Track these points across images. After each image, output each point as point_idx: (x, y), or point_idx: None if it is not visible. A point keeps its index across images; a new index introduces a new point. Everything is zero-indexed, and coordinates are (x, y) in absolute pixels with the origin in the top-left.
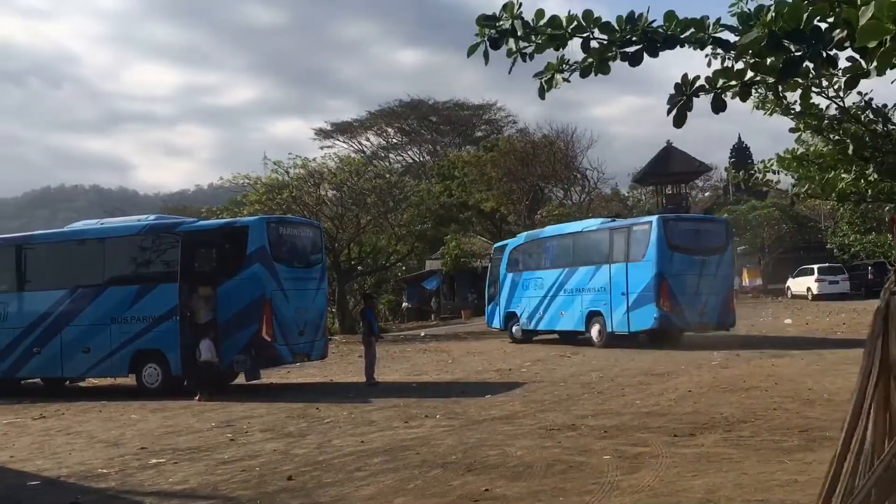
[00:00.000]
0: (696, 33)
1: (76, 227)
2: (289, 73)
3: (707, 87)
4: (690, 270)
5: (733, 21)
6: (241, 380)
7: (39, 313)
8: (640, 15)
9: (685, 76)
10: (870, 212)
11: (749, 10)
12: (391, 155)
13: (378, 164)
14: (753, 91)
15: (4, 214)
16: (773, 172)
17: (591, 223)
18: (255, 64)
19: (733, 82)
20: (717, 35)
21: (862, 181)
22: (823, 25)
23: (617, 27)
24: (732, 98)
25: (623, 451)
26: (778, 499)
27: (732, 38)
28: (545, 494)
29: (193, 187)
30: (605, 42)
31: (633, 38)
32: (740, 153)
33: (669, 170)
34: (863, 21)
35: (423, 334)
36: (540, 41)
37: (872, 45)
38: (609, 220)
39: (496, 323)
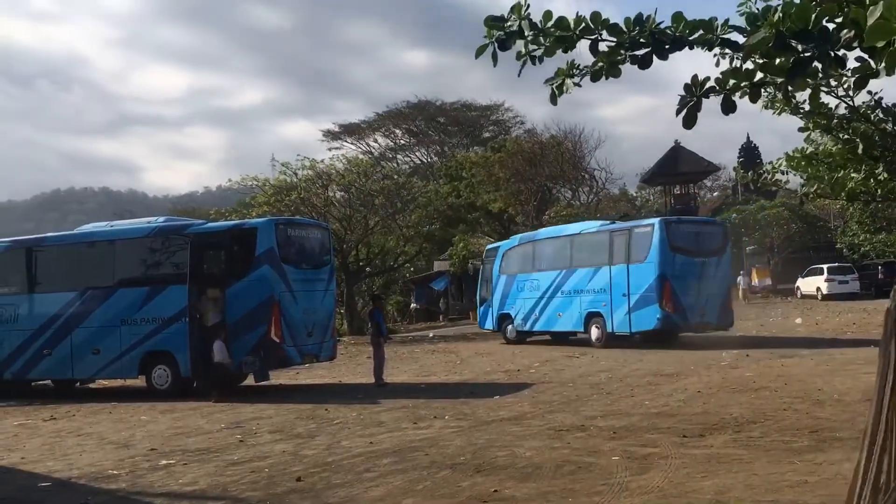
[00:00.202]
0: (705, 35)
1: (86, 230)
2: (297, 75)
3: (717, 88)
4: (691, 272)
5: (741, 21)
6: (249, 381)
7: (50, 315)
8: (648, 17)
9: (695, 77)
10: (879, 211)
11: (757, 10)
12: (399, 156)
13: (386, 165)
14: (763, 91)
15: (15, 217)
16: (783, 172)
17: (590, 225)
18: (263, 66)
19: (743, 83)
20: (726, 36)
21: (871, 180)
22: (831, 26)
23: (625, 29)
24: (741, 97)
25: (632, 451)
26: (788, 500)
27: (741, 39)
28: (554, 495)
29: (202, 189)
30: (613, 44)
31: (641, 40)
32: (749, 153)
33: (678, 170)
34: (871, 21)
35: (431, 335)
36: (548, 43)
37: (881, 45)
38: (608, 222)
39: (489, 324)
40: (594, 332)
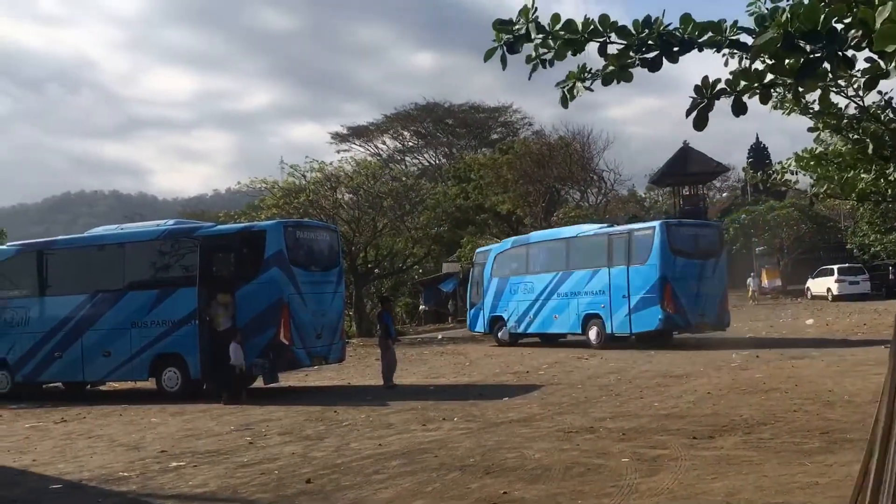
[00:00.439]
0: (714, 36)
1: (96, 233)
2: (305, 78)
3: (728, 89)
4: (691, 273)
5: (750, 22)
6: (259, 383)
7: (60, 318)
8: (656, 19)
9: (705, 78)
10: (890, 211)
11: (766, 10)
12: (407, 158)
13: (394, 167)
14: (773, 92)
15: (26, 220)
16: (792, 172)
17: (587, 228)
18: (271, 69)
19: (754, 84)
20: (735, 38)
21: (882, 181)
22: (839, 26)
23: (633, 31)
24: (750, 98)
25: (642, 453)
26: (799, 501)
27: (750, 40)
28: (564, 497)
29: (211, 192)
30: (622, 47)
31: (650, 42)
32: (758, 153)
33: (687, 170)
34: (879, 22)
35: (440, 337)
36: (556, 46)
37: (890, 49)
38: (607, 224)
39: (479, 327)
40: (593, 334)
